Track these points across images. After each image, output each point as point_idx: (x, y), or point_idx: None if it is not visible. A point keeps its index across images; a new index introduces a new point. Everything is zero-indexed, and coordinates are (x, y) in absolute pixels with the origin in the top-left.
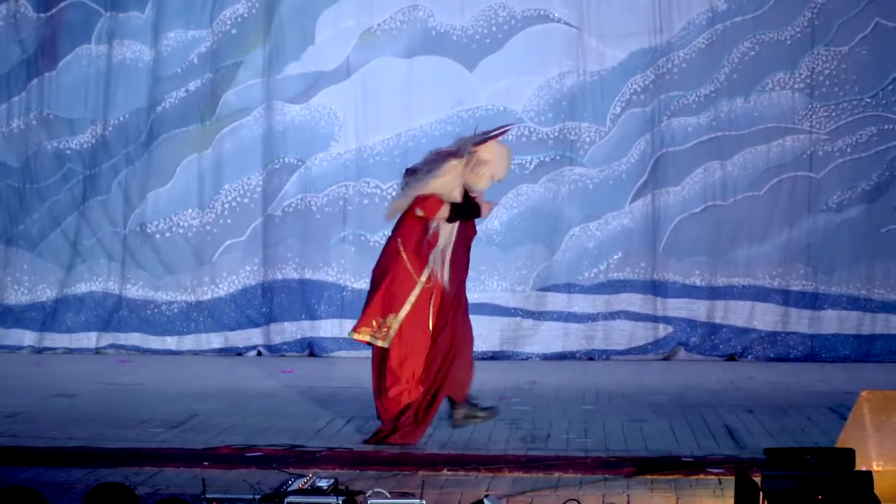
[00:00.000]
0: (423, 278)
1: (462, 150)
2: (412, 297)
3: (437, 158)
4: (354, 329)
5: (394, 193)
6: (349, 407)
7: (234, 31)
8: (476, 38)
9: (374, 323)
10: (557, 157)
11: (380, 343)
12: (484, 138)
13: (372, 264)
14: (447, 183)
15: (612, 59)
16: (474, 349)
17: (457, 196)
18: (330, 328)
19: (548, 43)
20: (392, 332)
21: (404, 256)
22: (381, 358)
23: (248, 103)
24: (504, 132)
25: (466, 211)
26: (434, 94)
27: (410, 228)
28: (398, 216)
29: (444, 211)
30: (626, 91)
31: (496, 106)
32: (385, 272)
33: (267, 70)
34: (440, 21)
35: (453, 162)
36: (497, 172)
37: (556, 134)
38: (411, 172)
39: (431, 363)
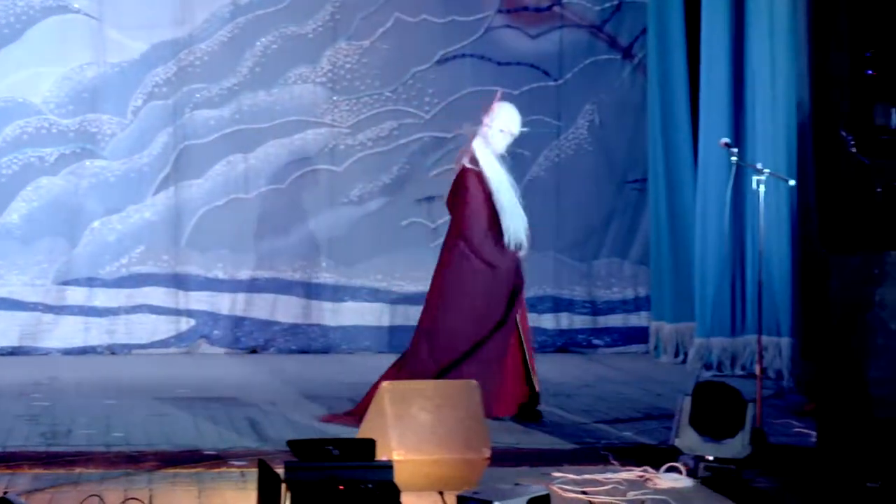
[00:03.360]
0: None
1: (471, 133)
2: None
3: (461, 155)
4: None
5: None
6: None
7: None
8: None
9: None
10: (78, 150)
11: None
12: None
13: None
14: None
15: (133, 50)
16: None
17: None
18: None
19: (67, 34)
20: None
21: None
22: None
23: None
24: (497, 98)
25: None
26: None
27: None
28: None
29: None
30: (148, 83)
31: (14, 98)
32: None
33: None
34: None
35: (475, 141)
36: (505, 125)
37: (77, 126)
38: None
39: None
